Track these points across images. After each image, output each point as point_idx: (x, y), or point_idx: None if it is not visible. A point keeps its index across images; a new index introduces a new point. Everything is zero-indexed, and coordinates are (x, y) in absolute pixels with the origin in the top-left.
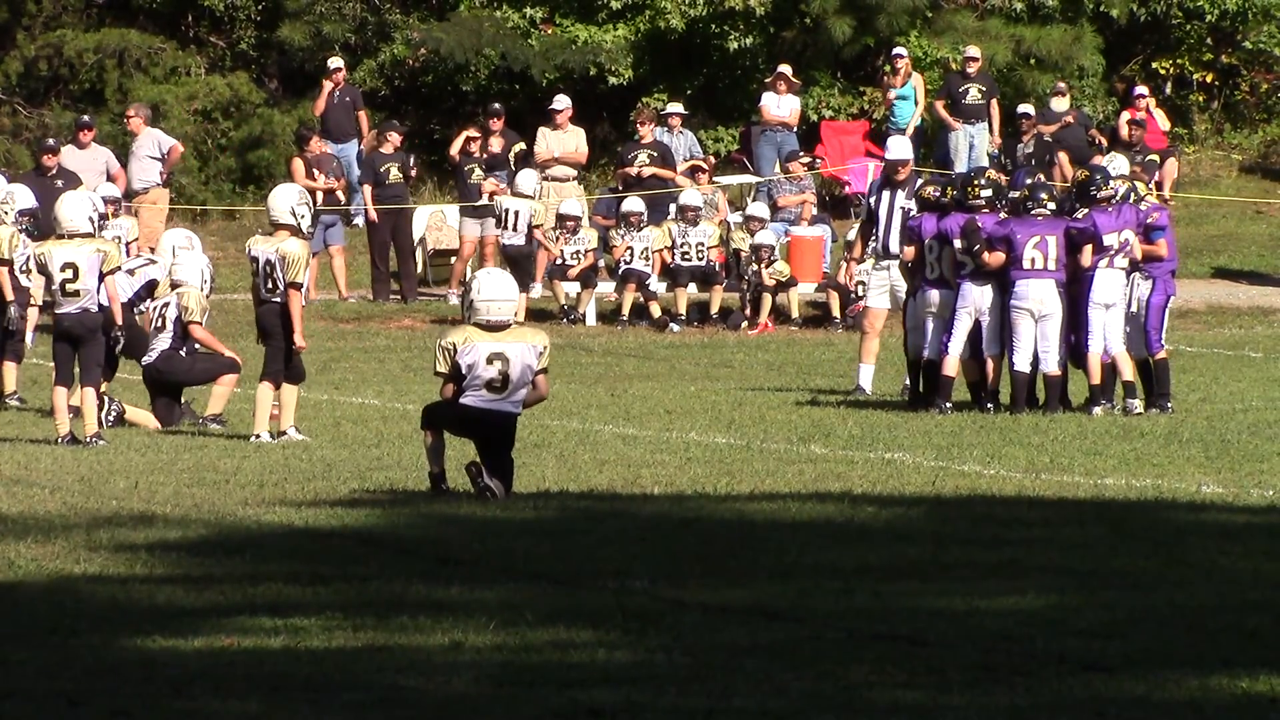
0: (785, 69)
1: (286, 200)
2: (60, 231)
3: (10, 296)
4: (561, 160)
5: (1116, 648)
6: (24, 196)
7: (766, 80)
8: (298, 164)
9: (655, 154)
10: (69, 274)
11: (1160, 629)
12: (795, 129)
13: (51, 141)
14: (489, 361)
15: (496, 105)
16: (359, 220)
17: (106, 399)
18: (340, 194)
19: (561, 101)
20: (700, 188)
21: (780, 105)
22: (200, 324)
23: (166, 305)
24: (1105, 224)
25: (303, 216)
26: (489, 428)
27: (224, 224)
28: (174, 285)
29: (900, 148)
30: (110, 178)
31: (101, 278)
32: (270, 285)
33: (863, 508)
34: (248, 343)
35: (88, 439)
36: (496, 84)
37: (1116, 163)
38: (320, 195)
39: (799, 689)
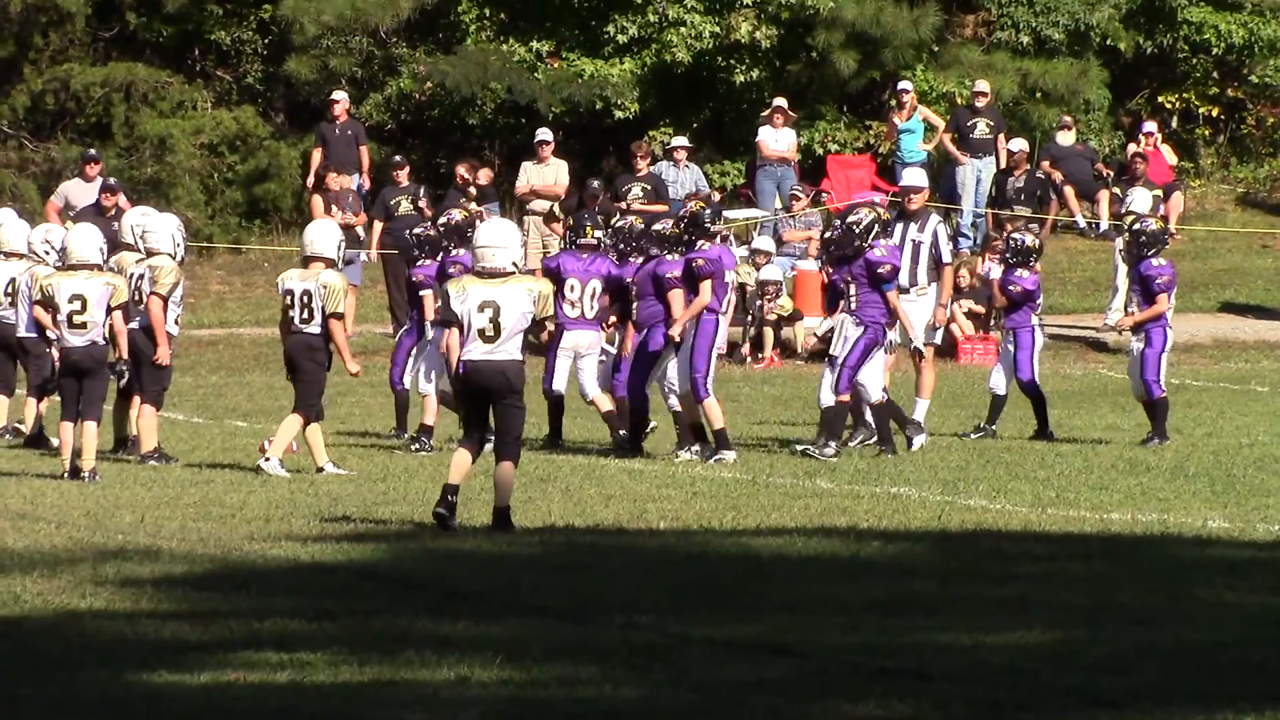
0: (781, 101)
1: (332, 235)
2: (69, 262)
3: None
4: (539, 193)
5: (1123, 683)
6: (62, 238)
7: (763, 114)
8: (317, 200)
9: (649, 186)
10: (76, 305)
11: (1166, 664)
12: (794, 163)
13: (113, 181)
14: (480, 309)
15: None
16: (363, 255)
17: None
18: (360, 230)
19: (545, 134)
20: None
21: (778, 140)
22: (164, 298)
23: (142, 278)
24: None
25: (342, 250)
26: (486, 378)
27: (230, 258)
28: (149, 253)
29: (913, 176)
30: None
31: (109, 311)
32: (306, 316)
33: (868, 542)
34: (254, 376)
35: (86, 474)
36: (503, 118)
37: (1138, 199)
38: None
39: None
